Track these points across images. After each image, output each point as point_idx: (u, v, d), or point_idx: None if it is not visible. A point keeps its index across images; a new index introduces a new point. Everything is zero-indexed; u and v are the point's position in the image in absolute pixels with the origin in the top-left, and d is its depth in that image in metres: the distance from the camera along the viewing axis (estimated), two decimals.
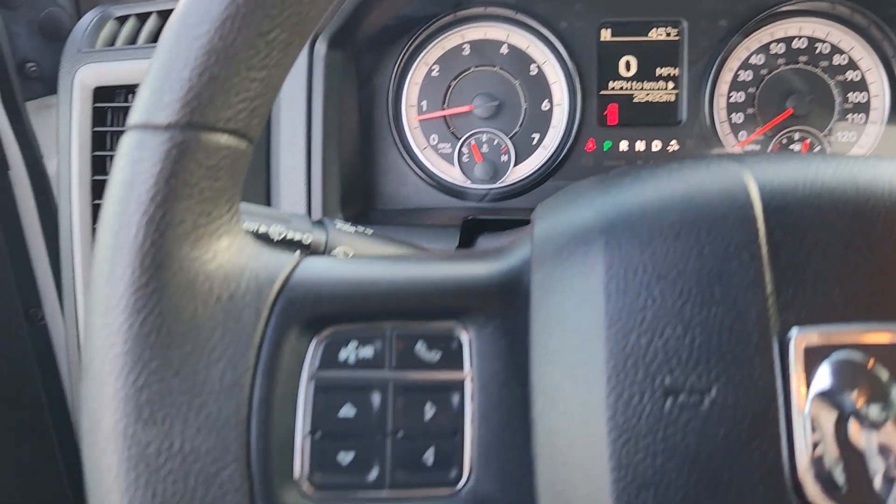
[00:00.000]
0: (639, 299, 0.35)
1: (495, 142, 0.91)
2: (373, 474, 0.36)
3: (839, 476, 0.33)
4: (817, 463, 0.33)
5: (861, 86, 0.88)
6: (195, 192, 0.36)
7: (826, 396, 0.33)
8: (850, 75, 0.88)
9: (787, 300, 0.34)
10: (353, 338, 0.38)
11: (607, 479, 0.34)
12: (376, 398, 0.37)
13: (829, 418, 0.33)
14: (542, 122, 0.91)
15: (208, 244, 0.37)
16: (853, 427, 0.33)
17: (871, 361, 0.33)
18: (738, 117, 0.90)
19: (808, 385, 0.33)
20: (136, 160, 0.35)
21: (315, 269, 0.39)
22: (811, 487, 0.33)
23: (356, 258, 0.40)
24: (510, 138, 0.90)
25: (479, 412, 0.37)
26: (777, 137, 0.89)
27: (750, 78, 0.89)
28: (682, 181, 0.38)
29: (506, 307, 0.38)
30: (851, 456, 0.33)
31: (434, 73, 0.91)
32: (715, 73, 0.88)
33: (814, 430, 0.33)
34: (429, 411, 0.37)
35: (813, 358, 0.33)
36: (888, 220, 0.35)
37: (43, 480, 1.14)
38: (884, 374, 0.33)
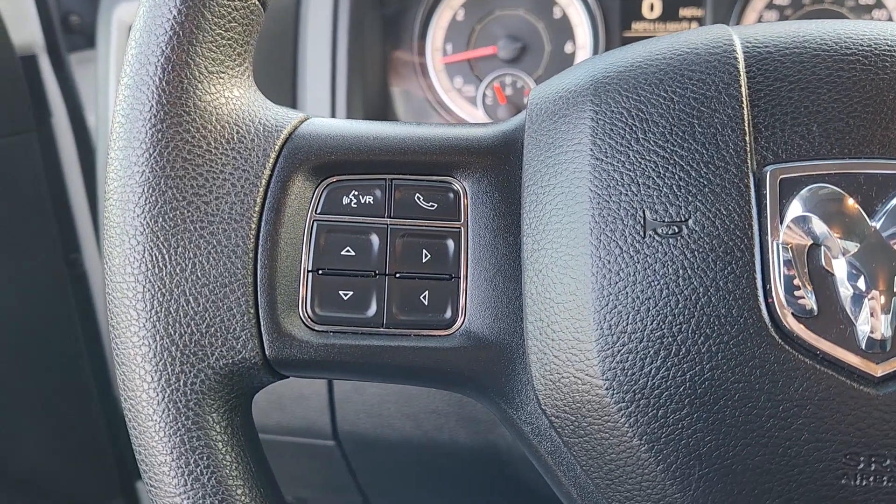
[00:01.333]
0: (623, 140, 0.36)
1: (519, 84, 0.92)
2: (371, 310, 0.38)
3: (810, 300, 0.33)
4: (790, 288, 0.33)
5: (879, 5, 0.88)
6: (208, 38, 0.38)
7: (799, 226, 0.34)
8: (876, 13, 0.88)
9: (766, 136, 0.35)
10: (355, 187, 0.39)
11: (590, 308, 0.35)
12: (375, 241, 0.39)
13: (801, 246, 0.34)
14: (565, 64, 0.92)
15: (220, 91, 0.39)
16: (825, 254, 0.34)
17: (843, 193, 0.34)
18: None
19: (782, 215, 0.34)
20: (155, 5, 0.38)
21: (322, 124, 0.41)
22: (784, 311, 0.33)
23: (355, 121, 0.42)
24: (534, 80, 0.92)
25: (473, 259, 0.39)
26: None
27: (776, 18, 0.89)
28: (669, 40, 0.39)
29: (500, 163, 0.40)
30: (822, 281, 0.34)
31: (459, 17, 0.93)
32: (739, 12, 0.88)
33: (787, 257, 0.34)
34: (425, 256, 0.39)
35: (788, 190, 0.34)
36: (866, 63, 0.36)
37: (79, 426, 1.18)
38: (854, 205, 0.34)
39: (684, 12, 0.90)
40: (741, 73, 0.36)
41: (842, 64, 0.36)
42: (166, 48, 0.38)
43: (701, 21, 0.90)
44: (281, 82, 0.81)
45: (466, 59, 0.93)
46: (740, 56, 0.36)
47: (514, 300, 0.38)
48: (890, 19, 0.87)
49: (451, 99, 0.93)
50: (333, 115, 0.81)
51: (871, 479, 0.33)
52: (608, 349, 0.35)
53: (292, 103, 0.82)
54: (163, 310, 0.37)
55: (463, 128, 0.42)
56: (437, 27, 0.93)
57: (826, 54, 0.36)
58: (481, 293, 0.39)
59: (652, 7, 0.91)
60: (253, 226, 0.37)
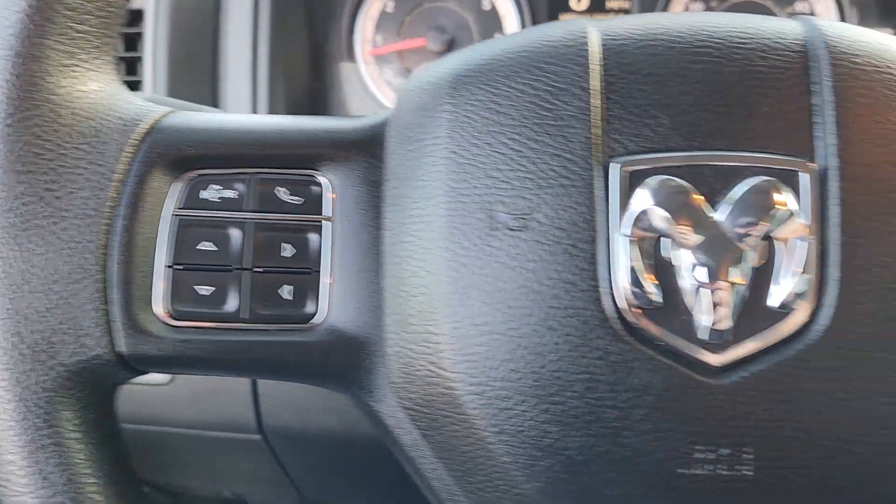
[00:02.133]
0: (478, 134, 0.36)
1: None
2: (230, 305, 0.38)
3: (654, 292, 0.34)
4: (634, 281, 0.34)
5: (811, 16, 0.88)
6: (60, 30, 0.38)
7: (644, 218, 0.34)
8: (800, 6, 0.88)
9: (616, 129, 0.35)
10: (217, 181, 0.39)
11: (443, 303, 0.35)
12: (236, 235, 0.38)
13: (646, 238, 0.34)
14: None
15: (75, 84, 0.38)
16: (669, 246, 0.34)
17: (688, 185, 0.34)
18: None
19: (628, 208, 0.34)
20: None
21: (185, 117, 0.41)
22: (628, 303, 0.34)
23: (220, 114, 0.42)
24: None
25: (338, 253, 0.39)
26: None
27: (701, 10, 0.89)
28: (529, 33, 0.39)
29: (366, 157, 0.40)
30: (667, 273, 0.34)
31: (389, 9, 0.92)
32: (664, 4, 0.88)
33: (632, 250, 0.34)
34: (288, 250, 0.39)
35: (635, 182, 0.34)
36: (718, 56, 0.36)
37: None
38: (698, 197, 0.34)
39: (611, 3, 0.90)
40: (596, 66, 0.36)
41: (694, 56, 0.36)
42: (16, 42, 0.37)
43: (628, 12, 0.90)
44: (200, 77, 0.80)
45: (396, 51, 0.92)
46: (597, 49, 0.37)
47: (377, 295, 0.38)
48: (811, 12, 0.88)
49: (380, 91, 0.93)
50: (255, 111, 0.80)
51: (708, 467, 0.33)
52: (459, 342, 0.35)
53: (212, 99, 0.81)
54: (13, 307, 0.36)
55: (331, 120, 0.42)
56: (366, 18, 0.92)
57: (680, 47, 0.36)
58: (344, 287, 0.39)
59: None
60: (104, 221, 0.37)
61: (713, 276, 0.33)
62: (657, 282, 0.34)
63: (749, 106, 0.35)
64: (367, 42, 0.93)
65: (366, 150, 0.40)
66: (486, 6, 0.91)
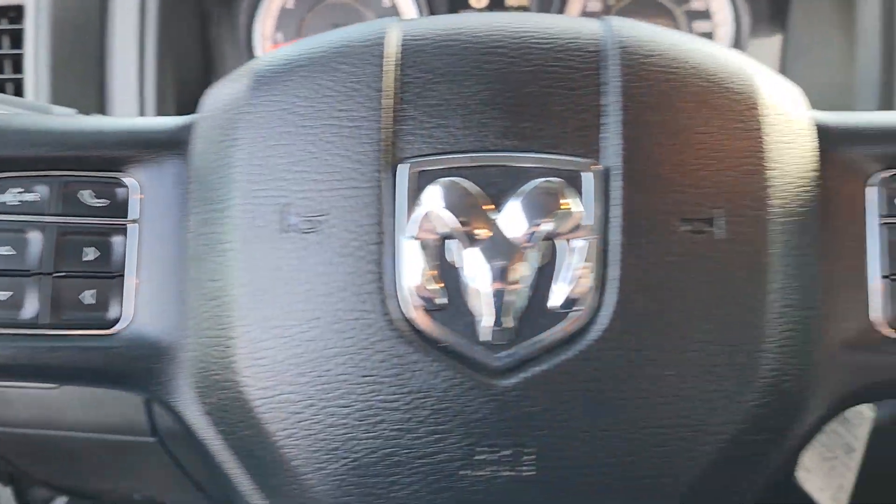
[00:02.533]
0: (275, 135, 0.36)
1: None
2: (28, 311, 0.37)
3: (439, 294, 0.34)
4: (420, 282, 0.34)
5: (706, 15, 0.89)
6: None
7: (430, 220, 0.34)
8: (696, 4, 0.89)
9: (408, 130, 0.35)
10: (17, 184, 0.38)
11: (236, 306, 0.35)
12: (35, 239, 0.38)
13: (432, 240, 0.34)
14: None
15: None
16: (455, 247, 0.34)
17: (474, 186, 0.34)
18: None
19: (415, 209, 0.34)
20: None
21: None
22: (413, 305, 0.34)
23: (26, 115, 0.41)
24: None
25: (146, 256, 0.38)
26: None
27: (599, 8, 0.90)
28: (331, 33, 0.39)
29: (173, 158, 0.39)
30: (452, 275, 0.34)
31: (289, 5, 0.91)
32: (561, 3, 0.89)
33: (418, 251, 0.34)
34: (91, 254, 0.38)
35: (422, 184, 0.34)
36: (512, 56, 0.36)
37: None
38: (483, 198, 0.34)
39: (511, 1, 0.90)
40: (391, 66, 0.36)
41: (490, 56, 0.36)
42: None
43: (527, 10, 0.90)
44: (86, 76, 0.79)
45: None
46: (394, 49, 0.36)
47: (181, 298, 0.38)
48: (707, 9, 0.89)
49: None
50: (143, 112, 0.79)
51: (490, 468, 0.33)
52: (250, 346, 0.35)
53: (99, 99, 0.80)
54: None
55: (142, 121, 0.41)
56: (266, 15, 0.91)
57: (476, 47, 0.36)
58: (151, 291, 0.38)
59: None
60: None
61: (495, 278, 0.33)
62: (442, 284, 0.34)
63: (540, 106, 0.35)
64: (268, 39, 0.92)
65: (174, 151, 0.39)
66: (387, 3, 0.91)
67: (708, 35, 0.89)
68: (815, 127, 0.38)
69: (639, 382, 0.33)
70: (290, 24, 0.91)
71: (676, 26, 0.89)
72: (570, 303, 0.33)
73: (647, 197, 0.34)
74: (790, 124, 0.36)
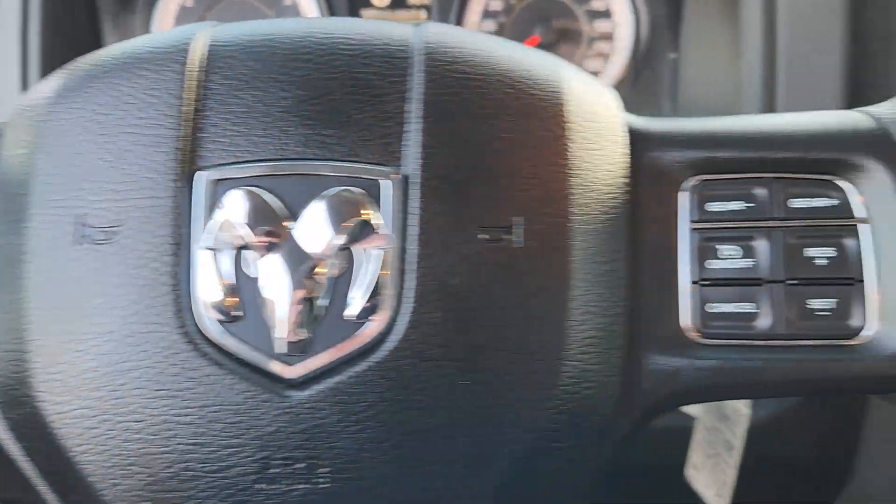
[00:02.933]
0: (74, 142, 0.35)
1: None
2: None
3: (235, 305, 0.33)
4: (215, 294, 0.33)
5: (607, 14, 0.90)
6: None
7: (226, 230, 0.33)
8: (597, 4, 0.89)
9: (208, 138, 0.34)
10: None
11: (30, 318, 0.34)
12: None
13: (227, 250, 0.33)
14: None
15: None
16: (251, 257, 0.33)
17: (269, 196, 0.34)
18: None
19: (211, 220, 0.34)
20: None
21: None
22: (208, 318, 0.33)
23: None
24: None
25: None
26: None
27: (501, 7, 0.90)
28: (140, 39, 0.38)
29: None
30: (248, 286, 0.33)
31: (188, 4, 0.90)
32: (462, 1, 0.88)
33: (213, 262, 0.33)
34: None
35: (219, 193, 0.34)
36: (319, 62, 0.35)
37: None
38: (277, 208, 0.34)
39: (413, 0, 0.90)
40: (194, 73, 0.35)
41: (297, 63, 0.35)
42: None
43: (429, 9, 0.90)
44: None
45: None
46: (199, 55, 0.36)
47: None
48: (608, 9, 0.89)
49: None
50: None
51: (285, 482, 0.33)
52: (45, 360, 0.34)
53: None
54: None
55: None
56: (164, 13, 0.90)
57: (284, 53, 0.36)
58: None
59: None
60: None
61: (291, 289, 0.33)
62: (238, 295, 0.33)
63: (343, 114, 0.34)
64: None
65: None
66: (287, 2, 0.90)
67: (608, 35, 0.90)
68: (628, 132, 0.38)
69: (434, 392, 0.33)
70: (190, 22, 0.90)
71: (578, 26, 0.90)
72: (366, 312, 0.33)
73: (445, 205, 0.33)
74: (599, 129, 0.36)
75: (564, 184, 0.35)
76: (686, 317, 0.36)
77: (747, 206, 0.37)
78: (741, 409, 0.67)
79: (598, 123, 0.36)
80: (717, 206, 0.37)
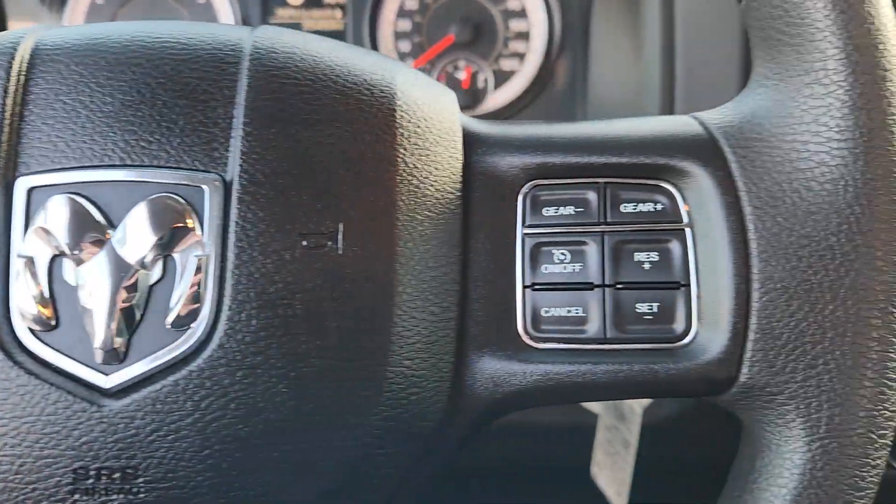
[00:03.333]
0: None
1: None
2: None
3: (51, 313, 0.33)
4: (31, 302, 0.33)
5: (522, 13, 0.90)
6: None
7: (43, 237, 0.33)
8: (512, 3, 0.90)
9: (28, 144, 0.34)
10: None
11: None
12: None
13: (44, 258, 0.33)
14: None
15: None
16: (69, 266, 0.33)
17: (87, 203, 0.33)
18: (405, 46, 0.90)
19: (28, 227, 0.33)
20: None
21: None
22: (23, 326, 0.32)
23: None
24: None
25: None
26: (443, 67, 0.90)
27: (416, 6, 0.90)
28: None
29: None
30: (65, 294, 0.33)
31: (99, 1, 0.89)
32: (376, 1, 0.88)
33: (29, 270, 0.33)
34: None
35: (38, 201, 0.33)
36: (148, 67, 0.35)
37: None
38: (95, 216, 0.33)
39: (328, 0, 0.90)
40: (15, 77, 0.34)
41: (125, 67, 0.35)
42: None
43: (344, 8, 0.90)
44: None
45: None
46: (25, 59, 0.35)
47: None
48: (524, 9, 0.89)
49: None
50: None
51: (102, 493, 0.32)
52: None
53: None
54: None
55: None
56: (74, 10, 0.88)
57: (112, 57, 0.35)
58: None
59: None
60: None
61: (108, 297, 0.32)
62: (54, 304, 0.33)
63: (168, 120, 0.34)
64: None
65: None
66: (201, 0, 0.89)
67: (525, 34, 0.90)
68: (463, 135, 0.38)
69: (253, 400, 0.33)
70: (101, 21, 0.89)
71: (494, 25, 0.90)
72: (185, 321, 0.33)
73: (265, 211, 0.33)
74: (432, 134, 0.36)
75: (392, 190, 0.34)
76: (520, 321, 0.37)
77: (579, 211, 0.37)
78: (636, 408, 0.68)
79: (432, 128, 0.36)
80: (550, 210, 0.37)
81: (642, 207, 0.36)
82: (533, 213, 0.37)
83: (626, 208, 0.37)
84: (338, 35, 0.90)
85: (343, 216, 0.34)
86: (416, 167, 0.35)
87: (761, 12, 0.36)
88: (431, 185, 0.36)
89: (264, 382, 0.33)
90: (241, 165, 0.33)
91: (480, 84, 0.90)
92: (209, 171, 0.34)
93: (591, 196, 0.37)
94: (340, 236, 0.33)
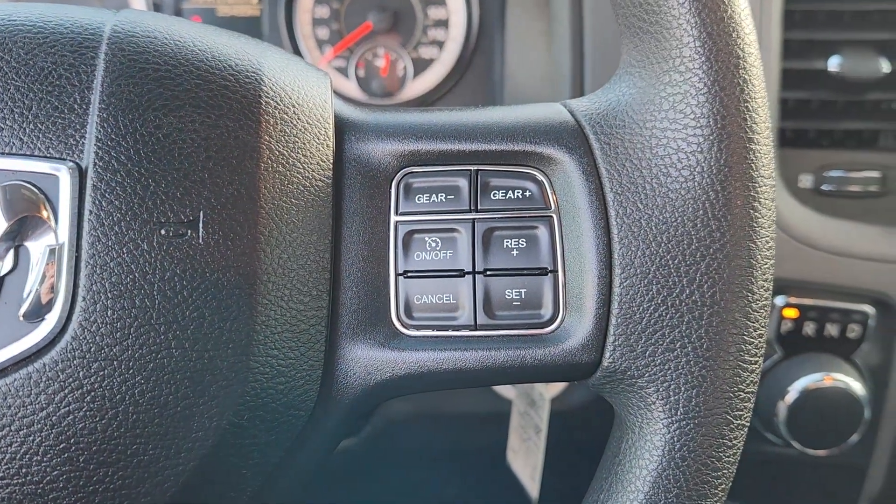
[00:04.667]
0: None
1: None
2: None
3: None
4: None
5: (441, 1, 0.89)
6: None
7: None
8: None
9: None
10: None
11: None
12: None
13: None
14: None
15: None
16: None
17: None
18: (323, 32, 0.89)
19: None
20: None
21: None
22: None
23: None
24: None
25: None
26: (362, 54, 0.89)
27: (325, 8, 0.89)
28: None
29: None
30: None
31: None
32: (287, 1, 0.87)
33: None
34: None
35: None
36: (2, 52, 0.34)
37: None
38: None
39: None
40: None
41: None
42: None
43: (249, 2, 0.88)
44: None
45: None
46: None
47: None
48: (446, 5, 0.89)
49: None
50: None
51: None
52: None
53: None
54: None
55: None
56: None
57: None
58: None
59: None
60: None
61: None
62: None
63: (21, 105, 0.33)
64: None
65: None
66: None
67: (444, 22, 0.89)
68: (336, 122, 0.37)
69: (110, 393, 0.32)
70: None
71: (413, 12, 0.89)
72: (38, 312, 0.32)
73: (121, 200, 0.32)
74: (299, 120, 0.36)
75: (255, 178, 0.34)
76: (392, 309, 0.36)
77: (450, 198, 0.37)
78: (545, 394, 0.68)
79: (301, 115, 0.36)
80: (423, 198, 0.37)
81: (511, 194, 0.37)
82: (406, 200, 0.37)
83: (497, 195, 0.37)
84: (254, 22, 0.89)
85: (204, 204, 0.33)
86: (283, 154, 0.35)
87: (625, 0, 0.36)
88: (299, 173, 0.35)
89: (121, 374, 0.32)
90: (96, 152, 0.33)
91: (399, 72, 0.90)
92: (64, 159, 0.33)
93: (462, 183, 0.37)
94: (201, 225, 0.33)
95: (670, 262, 0.34)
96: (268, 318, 0.34)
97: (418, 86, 0.90)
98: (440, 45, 0.90)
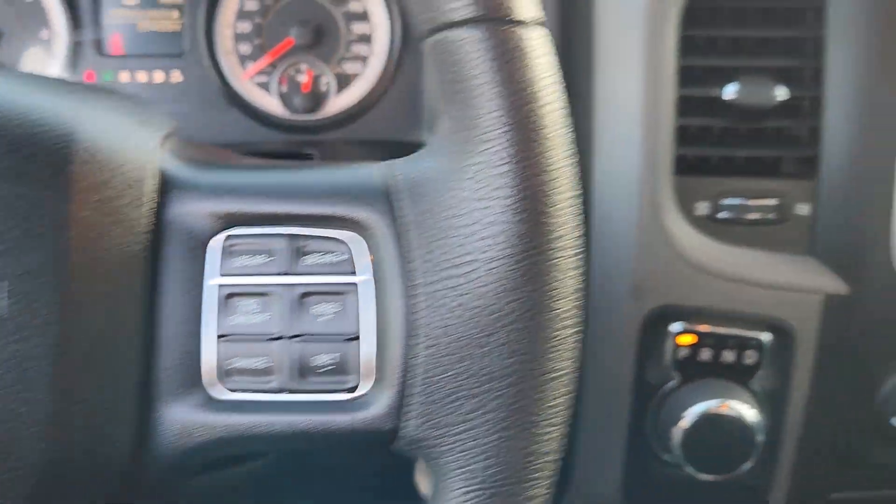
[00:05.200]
0: None
1: None
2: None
3: None
4: None
5: (364, 17, 0.89)
6: None
7: None
8: (354, 6, 0.89)
9: None
10: None
11: None
12: None
13: None
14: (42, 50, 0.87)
15: None
16: None
17: None
18: (245, 48, 0.89)
19: None
20: None
21: None
22: None
23: None
24: None
25: None
26: (285, 70, 0.89)
27: (256, 8, 0.88)
28: None
29: None
30: None
31: None
32: (212, 1, 0.86)
33: None
34: None
35: None
36: None
37: None
38: None
39: (164, 1, 0.87)
40: None
41: None
42: None
43: (181, 9, 0.88)
44: None
45: None
46: None
47: None
48: (365, 11, 0.89)
49: None
50: None
51: None
52: None
53: None
54: None
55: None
56: None
57: None
58: None
59: None
60: None
61: None
62: None
63: None
64: None
65: None
66: None
67: (367, 37, 0.89)
68: (159, 179, 0.37)
69: None
70: None
71: (336, 28, 0.89)
72: None
73: None
74: (115, 182, 0.36)
75: (62, 247, 0.34)
76: (208, 372, 0.37)
77: (266, 261, 0.37)
78: None
79: (117, 177, 0.36)
80: (240, 260, 0.37)
81: (327, 259, 0.37)
82: (226, 261, 0.37)
83: (312, 259, 0.37)
84: (174, 37, 0.88)
85: (10, 274, 0.33)
86: (94, 222, 0.35)
87: (438, 59, 0.36)
88: (111, 240, 0.35)
89: None
90: None
91: (322, 87, 0.90)
92: None
93: (280, 245, 0.37)
94: (7, 294, 0.33)
95: (468, 332, 0.34)
96: (74, 388, 0.34)
97: (341, 101, 0.90)
98: (364, 60, 0.90)
